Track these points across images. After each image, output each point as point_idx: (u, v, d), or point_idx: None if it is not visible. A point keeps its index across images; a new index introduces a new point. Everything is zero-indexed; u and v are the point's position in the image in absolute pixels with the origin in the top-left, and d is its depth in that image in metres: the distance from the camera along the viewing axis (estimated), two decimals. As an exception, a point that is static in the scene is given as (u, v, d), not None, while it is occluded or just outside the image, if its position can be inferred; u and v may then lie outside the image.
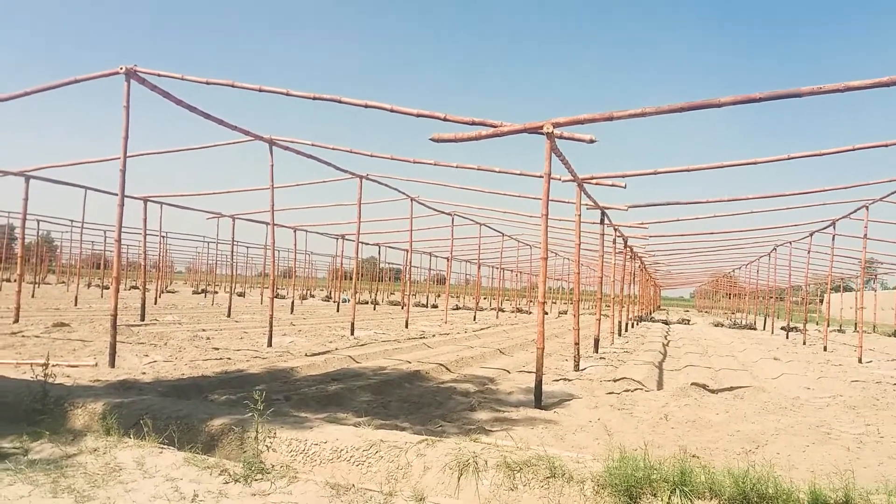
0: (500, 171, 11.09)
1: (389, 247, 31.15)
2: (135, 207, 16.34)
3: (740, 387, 8.92)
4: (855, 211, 15.01)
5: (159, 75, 8.18)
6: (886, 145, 8.98)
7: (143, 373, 7.70)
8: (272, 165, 11.07)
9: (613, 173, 10.25)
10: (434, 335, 15.51)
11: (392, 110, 7.87)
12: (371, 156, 11.35)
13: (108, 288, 26.69)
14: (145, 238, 16.72)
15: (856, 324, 21.96)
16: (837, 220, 16.77)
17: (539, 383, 6.95)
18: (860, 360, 13.95)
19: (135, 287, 38.60)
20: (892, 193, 12.79)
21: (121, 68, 7.97)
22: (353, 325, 14.21)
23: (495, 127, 7.25)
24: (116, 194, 8.30)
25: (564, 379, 9.07)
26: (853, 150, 9.23)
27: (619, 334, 19.04)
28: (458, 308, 35.87)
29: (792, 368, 11.91)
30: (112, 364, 7.95)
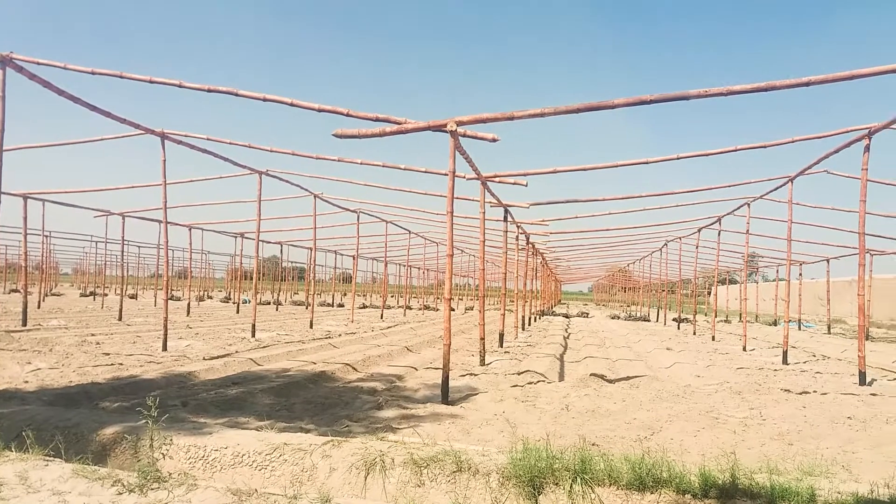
0: (405, 169, 11.09)
1: (292, 245, 30.51)
2: (14, 205, 15.22)
3: (636, 376, 9.31)
4: (738, 208, 16.00)
5: (39, 63, 7.66)
6: (765, 146, 9.60)
7: (26, 381, 7.20)
8: (164, 160, 10.59)
9: (516, 172, 10.44)
10: (340, 335, 15.33)
11: (293, 104, 7.70)
12: (271, 151, 11.07)
13: (-15, 292, 24.80)
14: (26, 238, 15.60)
15: (740, 314, 23.41)
16: (722, 216, 17.82)
17: (446, 379, 7.00)
18: (745, 348, 14.88)
19: (15, 290, 35.98)
20: (772, 191, 13.69)
21: (-5, 55, 7.42)
22: (254, 326, 13.82)
23: (399, 124, 7.23)
24: (-8, 191, 7.69)
25: (471, 374, 9.18)
26: (736, 150, 9.83)
27: (523, 328, 19.48)
28: (365, 307, 35.61)
29: (683, 357, 12.57)
30: (-11, 373, 7.39)
